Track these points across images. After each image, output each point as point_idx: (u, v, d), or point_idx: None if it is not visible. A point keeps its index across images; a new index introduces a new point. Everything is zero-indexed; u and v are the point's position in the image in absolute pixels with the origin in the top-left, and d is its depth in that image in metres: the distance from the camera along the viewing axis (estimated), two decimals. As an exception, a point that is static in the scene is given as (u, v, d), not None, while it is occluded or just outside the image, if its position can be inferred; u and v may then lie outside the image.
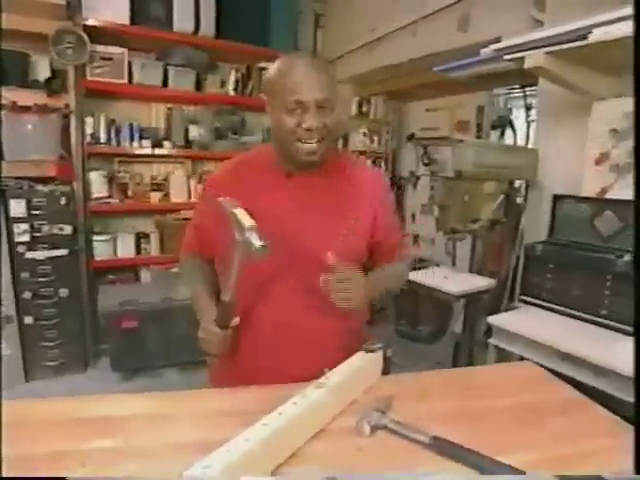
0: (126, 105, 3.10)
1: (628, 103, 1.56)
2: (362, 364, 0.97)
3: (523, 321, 1.67)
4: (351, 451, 0.77)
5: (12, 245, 2.51)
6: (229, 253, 0.93)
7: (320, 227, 1.02)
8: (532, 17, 2.01)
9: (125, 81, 2.88)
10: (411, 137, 4.09)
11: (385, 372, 1.05)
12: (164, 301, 2.76)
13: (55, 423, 0.83)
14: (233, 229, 0.90)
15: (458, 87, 3.30)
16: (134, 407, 0.91)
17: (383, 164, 4.13)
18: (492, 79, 2.75)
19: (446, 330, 3.19)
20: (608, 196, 1.68)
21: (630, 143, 1.61)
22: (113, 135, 2.92)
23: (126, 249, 3.03)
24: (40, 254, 2.59)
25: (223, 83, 3.32)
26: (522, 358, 1.55)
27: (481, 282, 2.33)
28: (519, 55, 1.61)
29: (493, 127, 3.48)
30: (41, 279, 2.61)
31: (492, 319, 1.70)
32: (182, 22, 2.92)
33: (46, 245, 2.60)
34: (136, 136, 2.99)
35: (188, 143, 3.17)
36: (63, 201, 2.63)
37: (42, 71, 2.74)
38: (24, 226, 2.53)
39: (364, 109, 3.99)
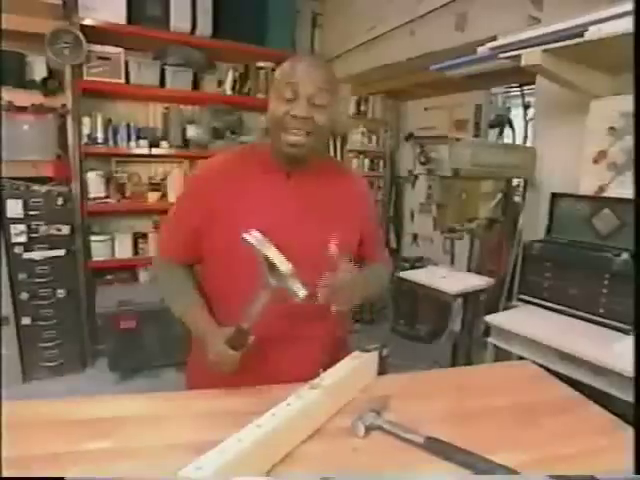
0: (123, 105, 3.09)
1: (626, 101, 1.55)
2: (357, 364, 0.97)
3: (521, 320, 1.66)
4: (346, 451, 0.77)
5: (9, 246, 2.50)
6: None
7: (312, 231, 0.99)
8: (530, 15, 2.01)
9: (122, 81, 2.86)
10: (409, 136, 4.09)
11: (381, 372, 1.05)
12: (162, 301, 2.75)
13: (51, 424, 0.83)
14: (264, 270, 0.87)
15: (456, 86, 3.29)
16: (129, 408, 0.91)
17: (381, 163, 4.13)
18: (490, 78, 2.74)
19: (444, 329, 3.18)
20: (606, 194, 1.68)
21: (628, 141, 1.60)
22: (110, 135, 2.90)
23: (124, 249, 3.01)
24: (37, 255, 2.58)
25: (220, 83, 3.31)
26: (521, 357, 1.55)
27: (479, 281, 2.33)
28: (516, 53, 1.60)
29: (491, 126, 3.46)
30: (38, 280, 2.60)
31: (490, 318, 1.70)
32: (179, 21, 2.90)
33: (43, 246, 2.60)
34: (133, 136, 2.97)
35: (185, 143, 3.16)
36: (60, 201, 2.63)
37: (39, 71, 2.73)
38: (21, 227, 2.52)
39: (362, 108, 3.99)
